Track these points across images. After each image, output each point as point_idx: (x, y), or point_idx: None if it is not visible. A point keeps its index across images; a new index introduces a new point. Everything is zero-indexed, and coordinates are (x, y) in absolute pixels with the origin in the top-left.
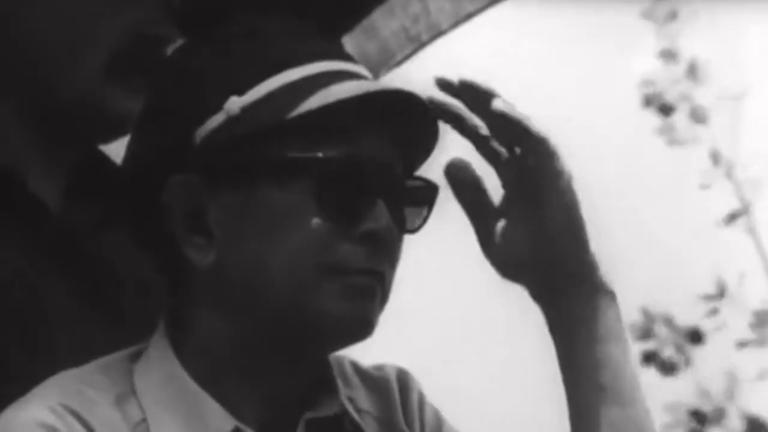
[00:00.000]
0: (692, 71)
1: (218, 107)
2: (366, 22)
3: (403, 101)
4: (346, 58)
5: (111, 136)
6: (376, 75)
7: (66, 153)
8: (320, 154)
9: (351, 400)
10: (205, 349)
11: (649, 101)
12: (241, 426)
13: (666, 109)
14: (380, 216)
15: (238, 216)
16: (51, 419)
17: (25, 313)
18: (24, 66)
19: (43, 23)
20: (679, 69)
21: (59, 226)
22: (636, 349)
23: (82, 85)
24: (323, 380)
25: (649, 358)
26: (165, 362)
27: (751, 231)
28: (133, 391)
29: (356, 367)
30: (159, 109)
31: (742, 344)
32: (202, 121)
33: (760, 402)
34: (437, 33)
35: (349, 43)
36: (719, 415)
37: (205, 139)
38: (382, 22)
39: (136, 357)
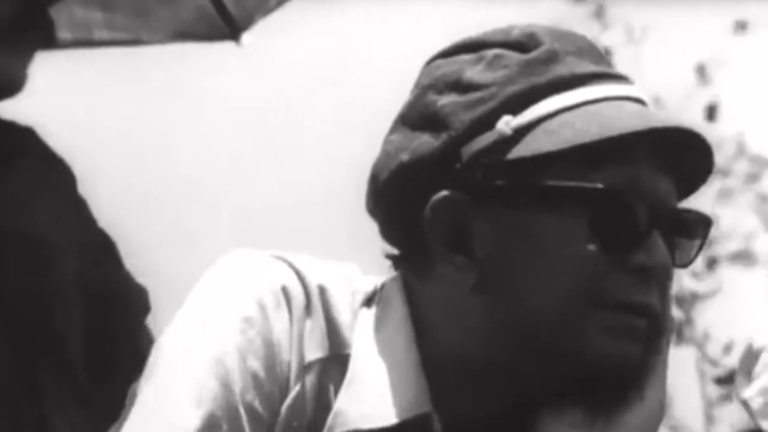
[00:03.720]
0: (599, 13)
1: (490, 125)
2: None
3: (683, 134)
4: (622, 79)
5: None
6: (252, 21)
7: None
8: (601, 186)
9: None
10: (436, 347)
11: None
12: (436, 417)
13: None
14: (656, 248)
15: (505, 239)
16: (276, 297)
17: None
18: None
19: None
20: (587, 10)
21: None
22: None
23: None
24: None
25: None
26: (400, 327)
27: None
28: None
29: None
30: (429, 114)
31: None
32: (472, 137)
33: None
34: None
35: None
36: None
37: (473, 156)
38: None
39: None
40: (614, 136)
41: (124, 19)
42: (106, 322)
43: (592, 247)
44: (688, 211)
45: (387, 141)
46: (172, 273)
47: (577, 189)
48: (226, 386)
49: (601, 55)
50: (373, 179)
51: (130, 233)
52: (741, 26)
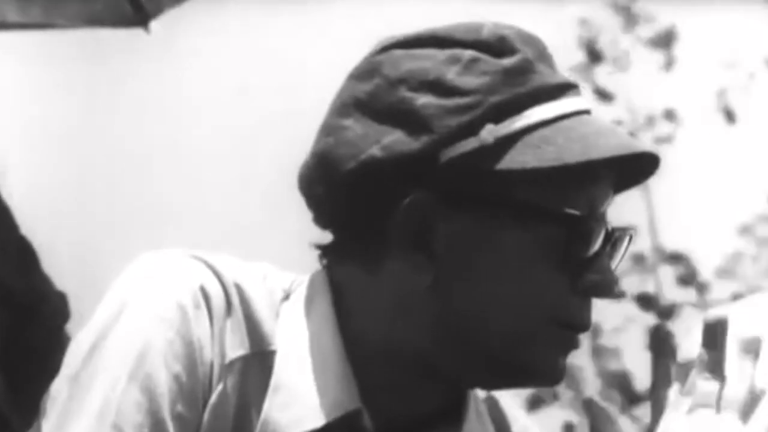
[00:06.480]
0: (628, 18)
1: (472, 132)
2: None
3: (643, 158)
4: (577, 88)
5: None
6: (161, 9)
7: None
8: (576, 212)
9: None
10: (368, 342)
11: (582, 43)
12: (366, 414)
13: (595, 55)
14: (607, 269)
15: (470, 245)
16: (194, 297)
17: None
18: None
19: None
20: (613, 12)
21: None
22: None
23: None
24: (455, 412)
25: None
26: (325, 322)
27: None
28: (276, 316)
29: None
30: (404, 111)
31: None
32: (453, 141)
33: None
34: None
35: None
36: None
37: (451, 160)
38: None
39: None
40: (598, 159)
41: (38, 8)
42: (24, 331)
43: (552, 265)
44: (621, 229)
45: (341, 126)
46: (92, 279)
47: (550, 212)
48: (148, 391)
49: (552, 57)
50: (331, 165)
51: (50, 237)
52: None
